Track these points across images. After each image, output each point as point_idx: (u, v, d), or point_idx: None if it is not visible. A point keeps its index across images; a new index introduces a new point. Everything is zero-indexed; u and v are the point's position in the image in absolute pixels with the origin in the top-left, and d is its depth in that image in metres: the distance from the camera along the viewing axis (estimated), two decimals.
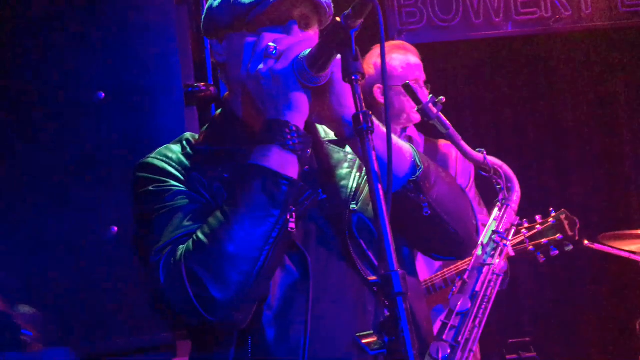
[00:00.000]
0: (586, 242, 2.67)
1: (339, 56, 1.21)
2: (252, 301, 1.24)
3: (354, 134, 1.28)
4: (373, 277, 0.99)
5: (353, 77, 1.15)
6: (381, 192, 1.05)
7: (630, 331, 3.12)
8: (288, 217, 1.22)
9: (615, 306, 4.19)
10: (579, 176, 4.39)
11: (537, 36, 4.46)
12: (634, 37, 4.47)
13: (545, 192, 4.23)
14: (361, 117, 1.12)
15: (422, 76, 2.70)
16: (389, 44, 2.80)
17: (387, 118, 1.12)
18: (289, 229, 1.23)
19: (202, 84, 2.47)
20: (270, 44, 1.27)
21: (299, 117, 1.26)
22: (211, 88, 2.47)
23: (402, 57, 2.69)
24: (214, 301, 1.18)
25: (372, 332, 0.98)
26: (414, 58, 2.71)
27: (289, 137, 1.24)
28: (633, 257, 2.80)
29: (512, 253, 2.27)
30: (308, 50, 1.24)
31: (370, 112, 1.14)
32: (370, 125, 1.12)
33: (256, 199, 1.21)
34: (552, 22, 4.41)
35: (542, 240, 2.28)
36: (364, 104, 1.15)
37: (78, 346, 2.18)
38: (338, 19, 1.17)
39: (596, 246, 2.69)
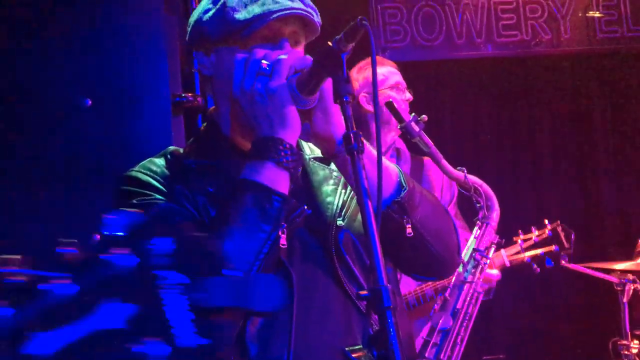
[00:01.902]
0: (563, 262, 2.71)
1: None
2: (241, 316, 1.23)
3: (341, 151, 1.32)
4: (364, 292, 1.00)
5: (344, 99, 1.18)
6: (371, 208, 1.08)
7: (604, 351, 3.18)
8: (280, 234, 1.22)
9: (589, 326, 4.26)
10: (556, 198, 4.48)
11: (517, 58, 4.56)
12: (610, 63, 4.59)
13: (522, 212, 4.29)
14: (352, 137, 1.15)
15: (403, 82, 2.75)
16: (364, 62, 2.85)
17: (378, 138, 1.15)
18: (280, 245, 1.23)
19: (190, 94, 2.48)
20: (264, 61, 1.28)
21: (292, 135, 1.27)
22: (199, 99, 2.47)
23: (381, 69, 2.75)
24: None
25: (361, 346, 1.00)
26: (391, 67, 2.78)
27: (282, 154, 1.25)
28: (608, 277, 2.86)
29: (507, 264, 2.29)
30: (298, 74, 1.26)
31: (361, 133, 1.17)
32: (360, 145, 1.15)
33: (248, 213, 1.21)
34: (532, 45, 4.51)
35: (539, 252, 2.30)
36: (354, 124, 1.18)
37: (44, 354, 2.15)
38: (330, 43, 1.19)
39: (572, 266, 2.74)
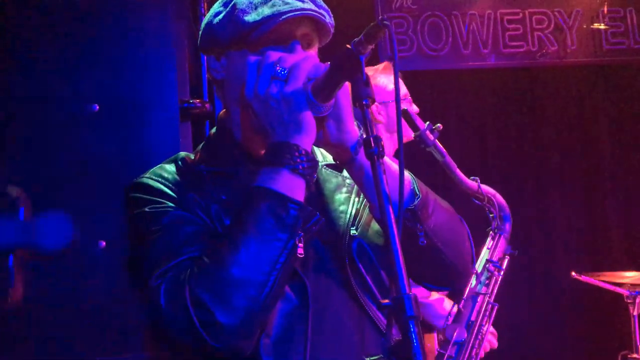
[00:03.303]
0: (573, 273, 2.69)
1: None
2: (258, 327, 1.21)
3: (354, 158, 1.29)
4: (386, 301, 0.97)
5: (364, 102, 1.14)
6: (392, 214, 1.05)
7: None
8: (297, 242, 1.18)
9: (598, 339, 4.22)
10: (562, 209, 4.45)
11: (523, 69, 4.55)
12: (616, 74, 4.59)
13: (527, 223, 4.27)
14: (372, 141, 1.12)
15: (406, 91, 2.74)
16: (374, 67, 2.84)
17: (400, 142, 1.12)
18: (297, 255, 1.19)
19: (198, 100, 2.47)
20: (278, 65, 1.24)
21: (307, 141, 1.24)
22: (206, 105, 2.46)
23: (390, 77, 2.73)
24: (220, 327, 1.13)
25: (381, 356, 0.97)
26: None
27: (298, 160, 1.21)
28: (618, 289, 2.84)
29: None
30: (312, 80, 1.22)
31: (381, 137, 1.15)
32: (381, 149, 1.12)
33: (264, 222, 1.17)
34: (538, 56, 4.51)
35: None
36: (374, 128, 1.15)
37: None
38: (348, 46, 1.16)
39: (583, 278, 2.72)
